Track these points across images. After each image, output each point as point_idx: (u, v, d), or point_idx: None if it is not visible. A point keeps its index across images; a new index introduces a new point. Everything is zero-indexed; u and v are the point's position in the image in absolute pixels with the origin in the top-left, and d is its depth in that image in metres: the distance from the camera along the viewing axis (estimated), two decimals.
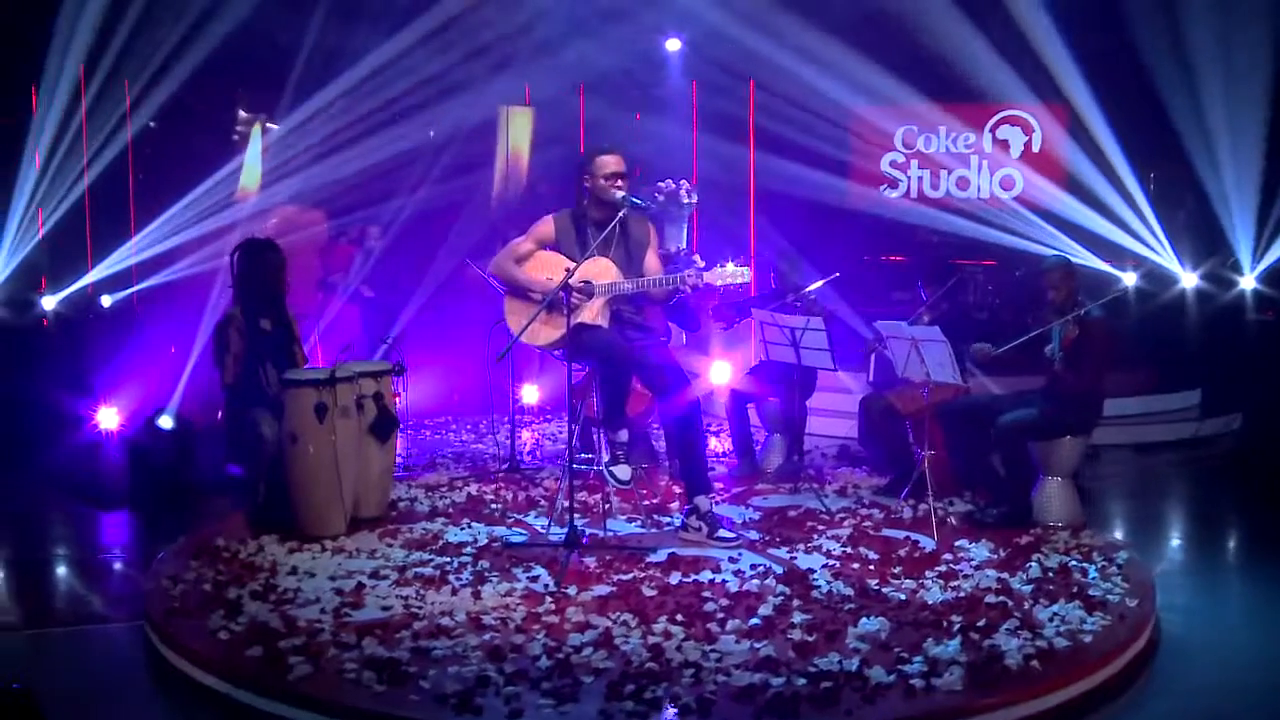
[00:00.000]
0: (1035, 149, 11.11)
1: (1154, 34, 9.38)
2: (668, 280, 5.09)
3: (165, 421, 6.49)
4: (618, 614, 4.19)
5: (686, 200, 9.94)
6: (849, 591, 4.46)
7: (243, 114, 10.38)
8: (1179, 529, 6.27)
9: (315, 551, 5.03)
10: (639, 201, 5.11)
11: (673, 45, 11.10)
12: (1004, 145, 11.21)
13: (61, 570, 5.35)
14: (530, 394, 8.67)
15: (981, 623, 4.07)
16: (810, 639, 3.93)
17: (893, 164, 11.54)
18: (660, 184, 9.97)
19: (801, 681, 3.56)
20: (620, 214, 5.06)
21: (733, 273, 5.04)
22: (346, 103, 9.84)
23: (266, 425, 5.22)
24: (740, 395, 6.79)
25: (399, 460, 7.30)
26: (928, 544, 5.19)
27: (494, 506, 5.95)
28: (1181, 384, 8.76)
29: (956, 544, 5.16)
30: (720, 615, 4.18)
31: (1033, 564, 4.83)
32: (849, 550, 5.09)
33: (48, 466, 6.98)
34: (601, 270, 5.15)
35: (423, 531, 5.40)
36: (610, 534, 5.41)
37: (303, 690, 3.53)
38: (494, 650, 3.82)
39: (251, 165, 9.79)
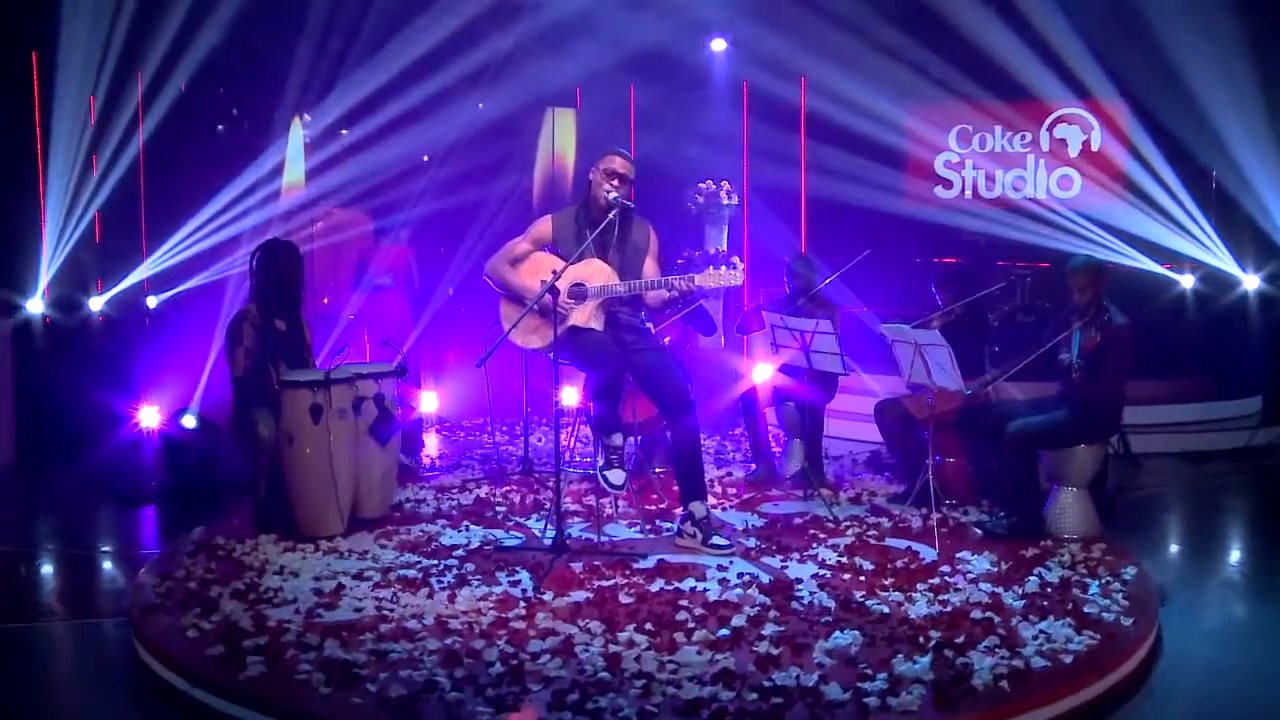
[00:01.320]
0: (1094, 148, 10.73)
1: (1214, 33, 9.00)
2: (659, 283, 5.01)
3: (189, 421, 6.64)
4: (586, 621, 4.13)
5: (726, 202, 9.89)
6: (831, 604, 4.33)
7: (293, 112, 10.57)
8: (1214, 543, 5.94)
9: (308, 552, 5.08)
10: (630, 205, 5.04)
11: (718, 45, 10.98)
12: (1062, 144, 10.85)
13: (69, 565, 5.47)
14: (571, 396, 8.67)
15: (960, 639, 3.91)
16: (776, 652, 3.82)
17: (947, 164, 11.26)
18: (700, 185, 9.93)
19: (752, 696, 3.45)
20: (611, 214, 5.00)
21: (726, 275, 4.94)
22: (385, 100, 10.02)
23: (264, 425, 5.29)
24: (753, 399, 6.67)
25: (428, 460, 7.37)
26: (929, 555, 5.02)
27: (499, 509, 5.95)
28: (1241, 390, 8.36)
29: (958, 555, 4.99)
30: (691, 625, 4.09)
31: (1032, 578, 4.63)
32: (844, 560, 4.95)
33: (89, 464, 7.20)
34: (595, 272, 5.10)
35: (420, 533, 5.42)
36: (606, 539, 5.35)
37: (251, 690, 3.55)
38: (450, 655, 3.79)
39: (294, 162, 9.97)
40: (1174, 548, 5.70)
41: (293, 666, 3.69)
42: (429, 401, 8.71)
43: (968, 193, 11.16)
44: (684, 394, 5.14)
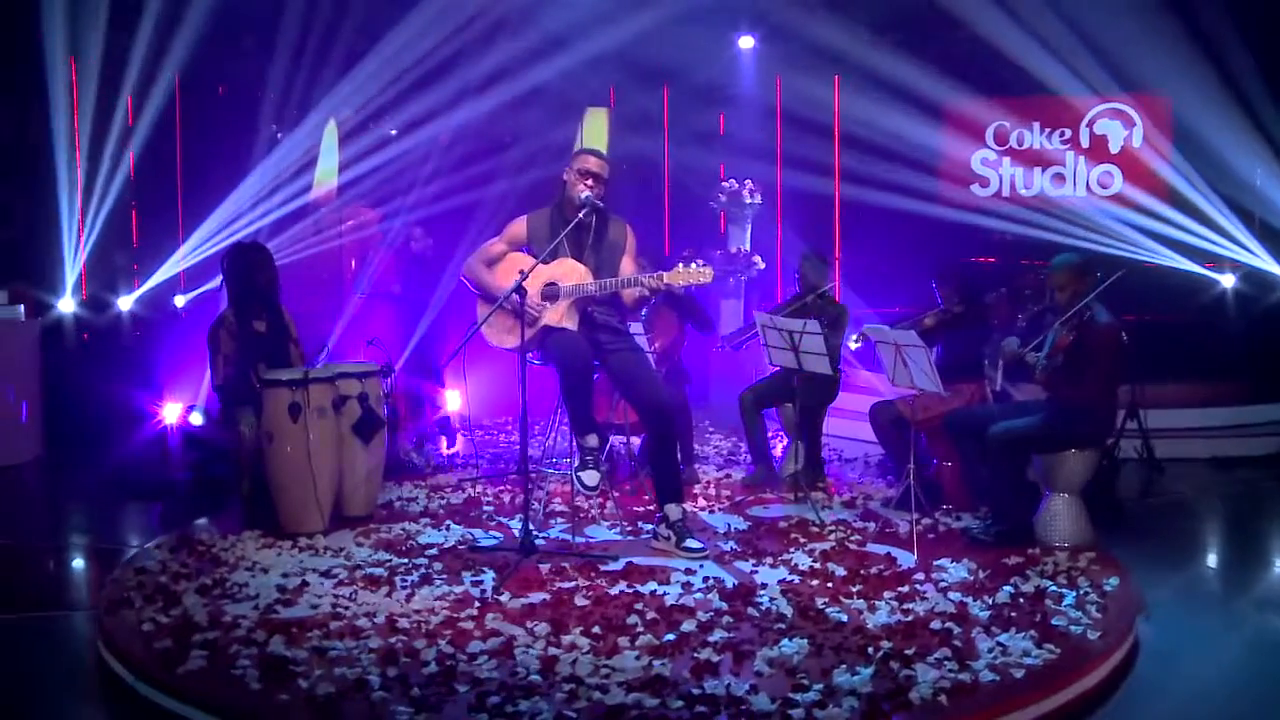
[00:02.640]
0: (1136, 144, 10.39)
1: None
2: (630, 281, 4.96)
3: (195, 418, 6.77)
4: (535, 623, 4.10)
5: (749, 200, 9.80)
6: (788, 611, 4.24)
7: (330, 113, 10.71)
8: (1224, 553, 5.70)
9: (285, 548, 5.13)
10: (600, 204, 5.00)
11: (746, 43, 10.88)
12: (1103, 140, 10.53)
13: (67, 558, 5.61)
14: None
15: (911, 650, 3.79)
16: (717, 659, 3.75)
17: (984, 161, 11.01)
18: (724, 183, 9.85)
19: (678, 704, 3.38)
20: (581, 214, 4.96)
21: (695, 273, 4.87)
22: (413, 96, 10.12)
23: (245, 423, 5.36)
24: (754, 400, 6.58)
25: (436, 459, 7.40)
26: (907, 561, 4.90)
27: (487, 509, 5.95)
28: (1277, 394, 8.01)
29: (936, 563, 4.85)
30: (640, 629, 4.04)
31: (1007, 588, 4.47)
32: (817, 565, 4.84)
33: (112, 459, 7.36)
34: (568, 272, 5.06)
35: (400, 532, 5.44)
36: (584, 540, 5.32)
37: (184, 684, 3.58)
38: (389, 654, 3.79)
39: (326, 162, 10.12)
40: (1179, 557, 5.43)
41: (232, 662, 3.73)
42: (453, 400, 8.76)
43: (1005, 191, 10.92)
44: (658, 396, 5.08)
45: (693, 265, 4.90)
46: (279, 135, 9.99)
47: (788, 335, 5.80)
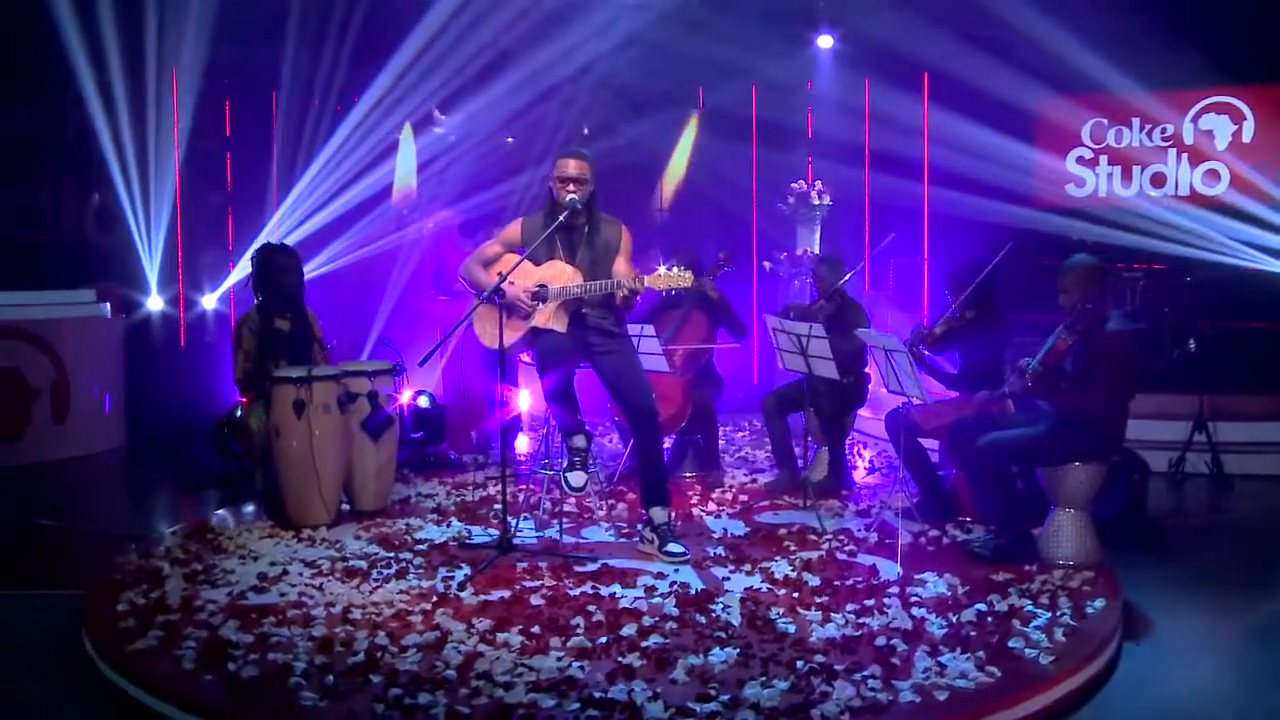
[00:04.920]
0: (1246, 139, 9.72)
1: None
2: (609, 285, 4.95)
3: (423, 401, 7.18)
4: (480, 620, 4.14)
5: (817, 203, 9.62)
6: (736, 620, 4.16)
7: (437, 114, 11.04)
8: (1260, 584, 5.24)
9: (286, 539, 5.33)
10: (578, 206, 5.00)
11: (825, 42, 10.68)
12: (1208, 136, 9.89)
13: (98, 542, 5.83)
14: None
15: (842, 666, 3.67)
16: (639, 664, 3.71)
17: (1079, 160, 10.49)
18: (792, 185, 9.70)
19: (574, 706, 3.37)
20: (561, 217, 4.98)
21: (675, 276, 4.84)
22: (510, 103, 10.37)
23: (254, 419, 5.60)
24: (776, 404, 6.46)
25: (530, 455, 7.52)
26: (890, 574, 4.73)
27: (497, 507, 6.03)
28: None
29: (918, 576, 4.67)
30: (580, 631, 4.03)
31: (979, 605, 4.27)
32: (792, 574, 4.73)
33: (184, 451, 7.78)
34: (557, 274, 5.09)
35: (402, 526, 5.58)
36: (576, 541, 5.35)
37: (127, 660, 3.78)
38: (325, 642, 3.90)
39: (405, 166, 10.44)
40: (1204, 584, 5.01)
41: (180, 643, 3.90)
42: (524, 399, 8.92)
43: (1101, 191, 10.38)
44: (645, 400, 5.06)
45: (674, 269, 4.86)
46: (355, 137, 10.40)
47: (796, 338, 5.68)
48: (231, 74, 9.92)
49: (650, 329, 6.06)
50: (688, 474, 6.78)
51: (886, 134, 10.70)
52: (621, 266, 5.16)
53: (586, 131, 10.97)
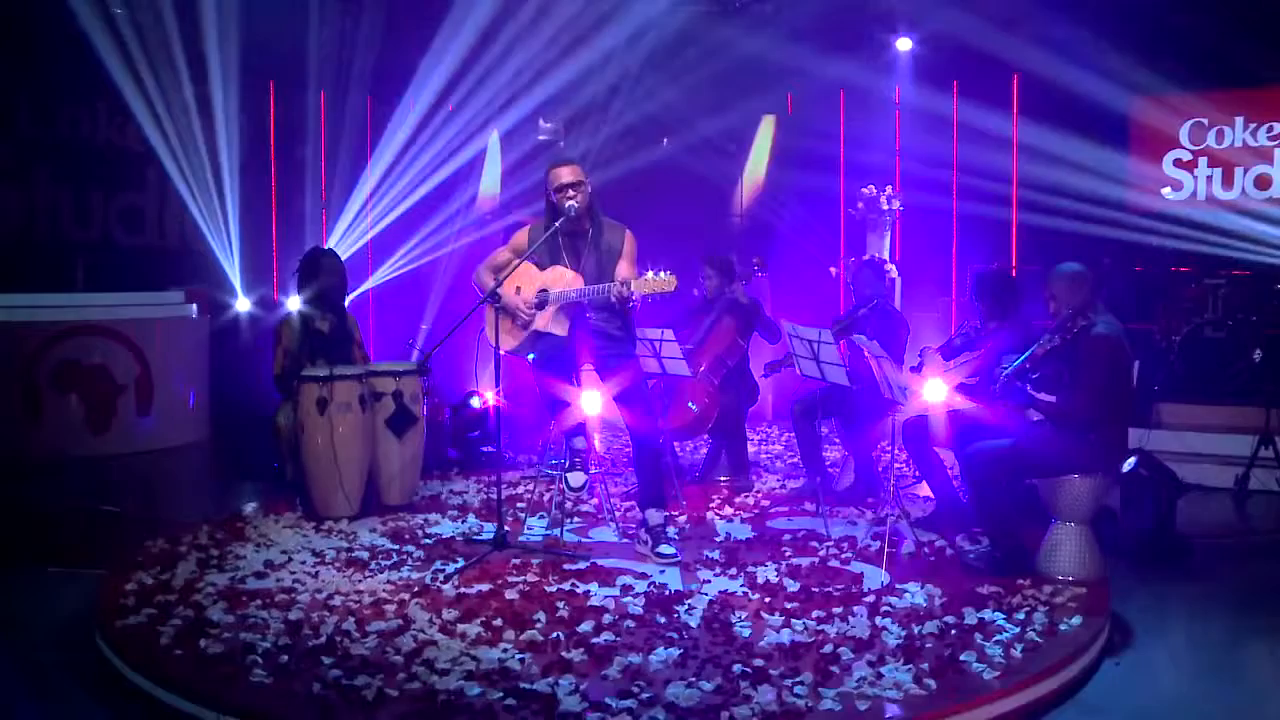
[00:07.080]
0: None
1: None
2: (598, 290, 5.04)
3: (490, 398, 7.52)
4: (449, 610, 4.29)
5: (887, 207, 9.48)
6: (694, 622, 4.18)
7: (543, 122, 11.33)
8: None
9: (307, 530, 5.60)
10: (571, 213, 5.09)
11: (904, 45, 10.48)
12: None
13: (140, 526, 6.14)
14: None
15: (778, 671, 3.66)
16: (579, 659, 3.79)
17: (1177, 163, 10.00)
18: (863, 189, 9.58)
19: (497, 695, 3.48)
20: (557, 223, 5.10)
21: (659, 281, 4.88)
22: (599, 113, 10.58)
23: (282, 415, 5.90)
24: (802, 410, 6.41)
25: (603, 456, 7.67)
26: (873, 582, 4.66)
27: (520, 505, 6.19)
28: None
29: (900, 586, 4.59)
30: (539, 625, 4.13)
31: (948, 618, 4.18)
32: (775, 579, 4.71)
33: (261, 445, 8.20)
34: (557, 279, 5.20)
35: (421, 521, 5.79)
36: (578, 540, 5.46)
37: (113, 635, 4.06)
38: (295, 626, 4.11)
39: (491, 172, 10.75)
40: (1226, 607, 4.76)
41: (165, 620, 4.18)
42: (592, 402, 9.06)
43: (1200, 194, 9.87)
44: (642, 414, 5.16)
45: (661, 274, 4.90)
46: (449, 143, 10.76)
47: (808, 345, 5.65)
48: (326, 81, 10.41)
49: (670, 333, 6.10)
50: (721, 478, 6.81)
51: (971, 140, 10.46)
52: (624, 270, 5.24)
53: (665, 142, 11.07)
